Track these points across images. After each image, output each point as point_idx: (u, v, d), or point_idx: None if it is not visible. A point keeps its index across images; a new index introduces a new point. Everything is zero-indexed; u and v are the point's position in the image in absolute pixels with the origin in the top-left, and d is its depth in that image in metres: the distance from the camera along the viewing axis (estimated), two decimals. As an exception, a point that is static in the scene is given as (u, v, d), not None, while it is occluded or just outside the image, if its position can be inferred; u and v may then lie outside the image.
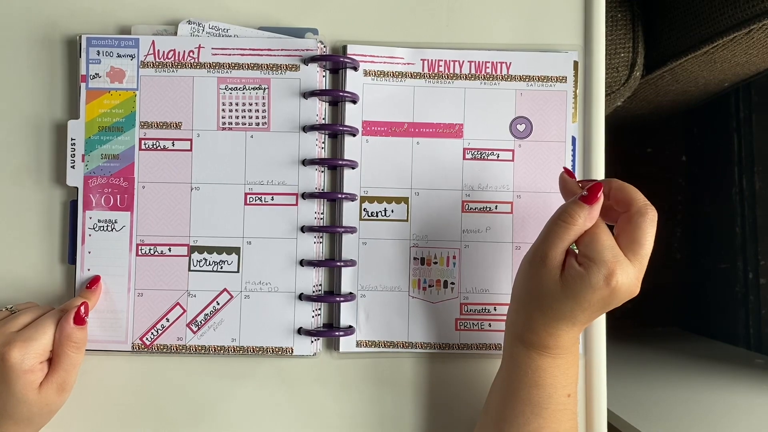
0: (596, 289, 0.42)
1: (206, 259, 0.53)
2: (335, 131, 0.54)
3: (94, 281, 0.53)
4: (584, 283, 0.43)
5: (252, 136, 0.54)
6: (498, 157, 0.55)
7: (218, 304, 0.53)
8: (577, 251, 0.45)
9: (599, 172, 0.55)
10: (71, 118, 0.54)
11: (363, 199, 0.54)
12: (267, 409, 0.54)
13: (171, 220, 0.53)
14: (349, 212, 0.54)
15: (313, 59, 0.53)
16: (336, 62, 0.53)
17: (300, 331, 0.53)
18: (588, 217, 0.44)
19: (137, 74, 0.54)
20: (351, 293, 0.54)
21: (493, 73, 0.55)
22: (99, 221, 0.53)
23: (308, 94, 0.53)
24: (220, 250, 0.54)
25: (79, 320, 0.49)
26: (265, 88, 0.54)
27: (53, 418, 0.51)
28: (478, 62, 0.55)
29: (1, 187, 0.54)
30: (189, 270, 0.53)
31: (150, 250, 0.53)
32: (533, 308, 0.45)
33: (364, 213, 0.54)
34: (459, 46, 0.55)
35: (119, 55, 0.54)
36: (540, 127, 0.55)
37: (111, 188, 0.53)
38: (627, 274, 0.43)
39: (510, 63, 0.55)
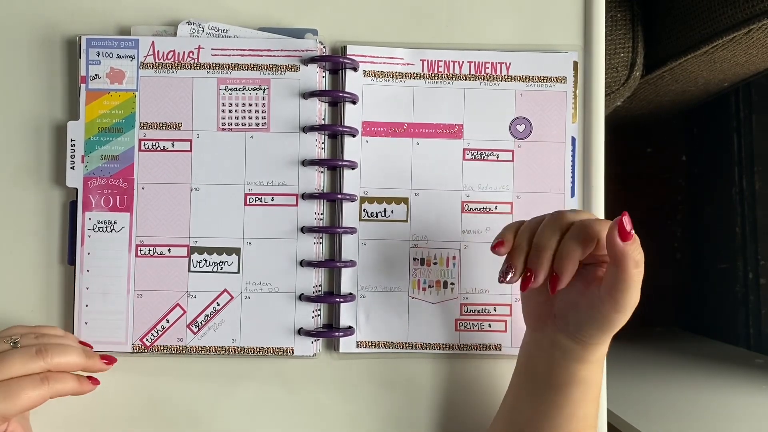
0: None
1: (206, 260, 0.53)
2: (335, 132, 0.54)
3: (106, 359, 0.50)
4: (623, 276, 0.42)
5: (252, 137, 0.54)
6: (498, 157, 0.55)
7: (218, 304, 0.53)
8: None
9: (599, 173, 0.55)
10: (71, 119, 0.54)
11: (363, 200, 0.54)
12: (267, 409, 0.54)
13: (171, 221, 0.53)
14: (349, 213, 0.54)
15: (313, 60, 0.53)
16: (336, 63, 0.53)
17: (300, 331, 0.53)
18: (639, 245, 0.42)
19: (137, 75, 0.54)
20: (351, 294, 0.54)
21: (493, 73, 0.55)
22: (98, 222, 0.53)
23: (308, 95, 0.53)
24: (220, 250, 0.54)
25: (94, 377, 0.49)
26: (264, 89, 0.54)
27: (55, 419, 0.51)
28: (478, 63, 0.55)
29: (0, 188, 0.54)
30: (189, 271, 0.53)
31: (150, 251, 0.53)
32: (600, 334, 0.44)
33: (363, 213, 0.54)
34: (458, 47, 0.55)
35: (119, 56, 0.53)
36: (540, 127, 0.55)
37: (110, 189, 0.53)
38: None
39: (510, 63, 0.55)
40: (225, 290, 0.53)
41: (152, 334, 0.53)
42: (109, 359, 0.50)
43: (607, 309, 0.43)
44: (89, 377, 0.49)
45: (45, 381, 0.45)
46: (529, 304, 0.49)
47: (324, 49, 0.54)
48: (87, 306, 0.53)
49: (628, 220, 0.41)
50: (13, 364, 0.44)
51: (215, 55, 0.54)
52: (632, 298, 0.42)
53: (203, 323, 0.53)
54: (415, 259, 0.54)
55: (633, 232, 0.41)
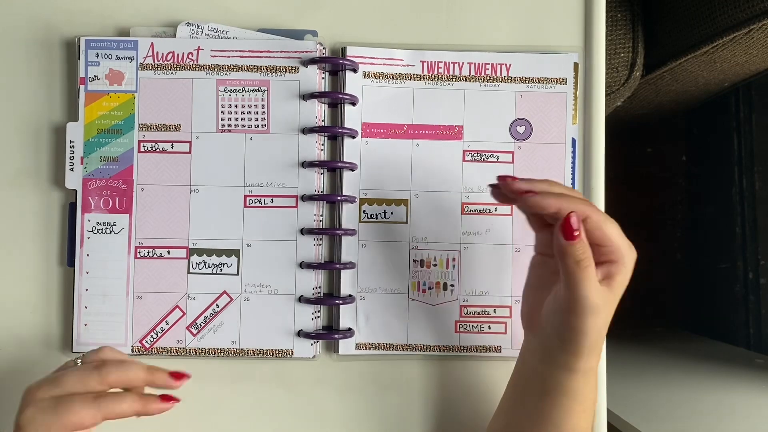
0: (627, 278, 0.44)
1: (205, 262, 0.53)
2: (335, 133, 0.54)
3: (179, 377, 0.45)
4: (623, 280, 0.44)
5: (251, 138, 0.54)
6: (498, 159, 0.55)
7: (218, 306, 0.53)
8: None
9: (599, 174, 0.55)
10: (70, 121, 0.54)
11: (362, 201, 0.54)
12: (267, 411, 0.54)
13: (170, 223, 0.53)
14: (349, 214, 0.54)
15: (313, 61, 0.53)
16: (335, 64, 0.53)
17: (300, 333, 0.53)
18: (586, 245, 0.43)
19: (136, 76, 0.53)
20: (350, 295, 0.54)
21: (493, 74, 0.55)
22: (98, 224, 0.53)
23: (307, 96, 0.53)
24: (219, 252, 0.53)
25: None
26: (264, 90, 0.54)
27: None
28: (478, 64, 0.55)
29: (-1, 190, 0.54)
30: (188, 272, 0.53)
31: (149, 252, 0.53)
32: (591, 342, 0.43)
33: (363, 215, 0.54)
34: (458, 48, 0.55)
35: (118, 57, 0.53)
36: (540, 128, 0.55)
37: (110, 191, 0.53)
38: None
39: (510, 64, 0.55)
40: (224, 292, 0.53)
41: (151, 336, 0.53)
42: (178, 375, 0.44)
43: (563, 310, 0.43)
44: (161, 396, 0.44)
45: (97, 400, 0.41)
46: (526, 304, 0.49)
47: (323, 51, 0.54)
48: (86, 308, 0.53)
49: (576, 221, 0.42)
50: (68, 380, 0.42)
51: (215, 56, 0.53)
52: (579, 298, 0.42)
53: (203, 325, 0.53)
54: (414, 260, 0.54)
55: (578, 232, 0.42)
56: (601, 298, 0.42)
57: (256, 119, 0.54)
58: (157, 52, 0.53)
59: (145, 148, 0.54)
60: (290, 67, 0.53)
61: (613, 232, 0.43)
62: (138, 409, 0.43)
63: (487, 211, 0.55)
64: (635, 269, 0.44)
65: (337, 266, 0.53)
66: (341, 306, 0.54)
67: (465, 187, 0.55)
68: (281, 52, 0.53)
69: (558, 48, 0.55)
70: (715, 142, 1.22)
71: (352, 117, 0.54)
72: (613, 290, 0.43)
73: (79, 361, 0.44)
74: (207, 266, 0.53)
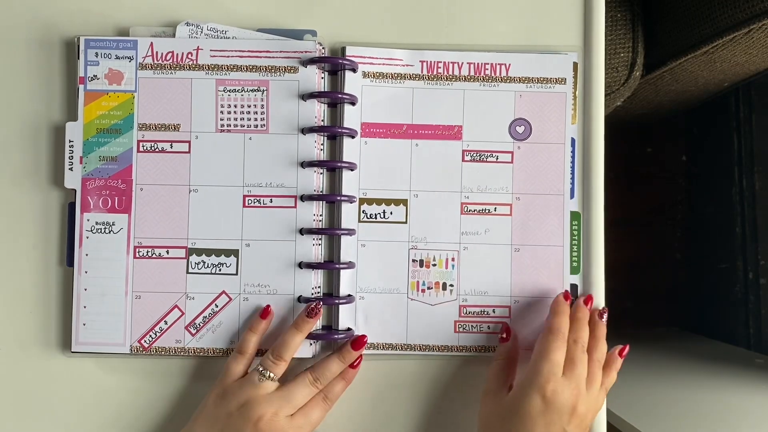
0: (531, 399, 0.47)
1: (204, 262, 0.53)
2: (334, 133, 0.54)
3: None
4: (519, 396, 0.48)
5: (250, 138, 0.54)
6: (497, 159, 0.55)
7: (217, 306, 0.53)
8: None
9: (599, 174, 0.55)
10: (69, 120, 0.54)
11: (362, 201, 0.54)
12: (266, 411, 0.54)
13: (169, 223, 0.53)
14: (348, 214, 0.54)
15: (312, 61, 0.53)
16: (335, 64, 0.53)
17: (299, 333, 0.53)
18: (506, 352, 0.52)
19: (135, 76, 0.53)
20: (350, 295, 0.54)
21: (493, 74, 0.55)
22: (97, 223, 0.53)
23: (307, 96, 0.53)
24: (218, 252, 0.53)
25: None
26: (263, 90, 0.54)
27: (49, 422, 0.51)
28: (478, 64, 0.55)
29: (-1, 189, 0.54)
30: (187, 272, 0.53)
31: (148, 252, 0.53)
32: None
33: (362, 215, 0.54)
34: (458, 48, 0.55)
35: (117, 57, 0.53)
36: (539, 128, 0.55)
37: (109, 190, 0.53)
38: (562, 387, 0.48)
39: (509, 64, 0.55)
40: (223, 292, 0.53)
41: (150, 336, 0.53)
42: (356, 345, 0.52)
43: None
44: (350, 365, 0.52)
45: (326, 400, 0.51)
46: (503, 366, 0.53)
47: (323, 50, 0.54)
48: (85, 307, 0.53)
49: (507, 329, 0.53)
50: (299, 395, 0.50)
51: (214, 56, 0.53)
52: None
53: (201, 325, 0.53)
54: (414, 260, 0.54)
55: (506, 336, 0.53)
56: (492, 386, 0.51)
57: (256, 119, 0.54)
58: (157, 52, 0.53)
59: (144, 148, 0.54)
60: (290, 67, 0.53)
61: (539, 349, 0.50)
62: (346, 387, 0.52)
63: (487, 211, 0.55)
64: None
65: (337, 266, 0.53)
66: (340, 306, 0.54)
67: (464, 187, 0.55)
68: (281, 52, 0.53)
69: (557, 48, 0.55)
70: (715, 142, 1.22)
71: (351, 117, 0.54)
72: (504, 396, 0.50)
73: (268, 373, 0.50)
74: (206, 266, 0.53)
